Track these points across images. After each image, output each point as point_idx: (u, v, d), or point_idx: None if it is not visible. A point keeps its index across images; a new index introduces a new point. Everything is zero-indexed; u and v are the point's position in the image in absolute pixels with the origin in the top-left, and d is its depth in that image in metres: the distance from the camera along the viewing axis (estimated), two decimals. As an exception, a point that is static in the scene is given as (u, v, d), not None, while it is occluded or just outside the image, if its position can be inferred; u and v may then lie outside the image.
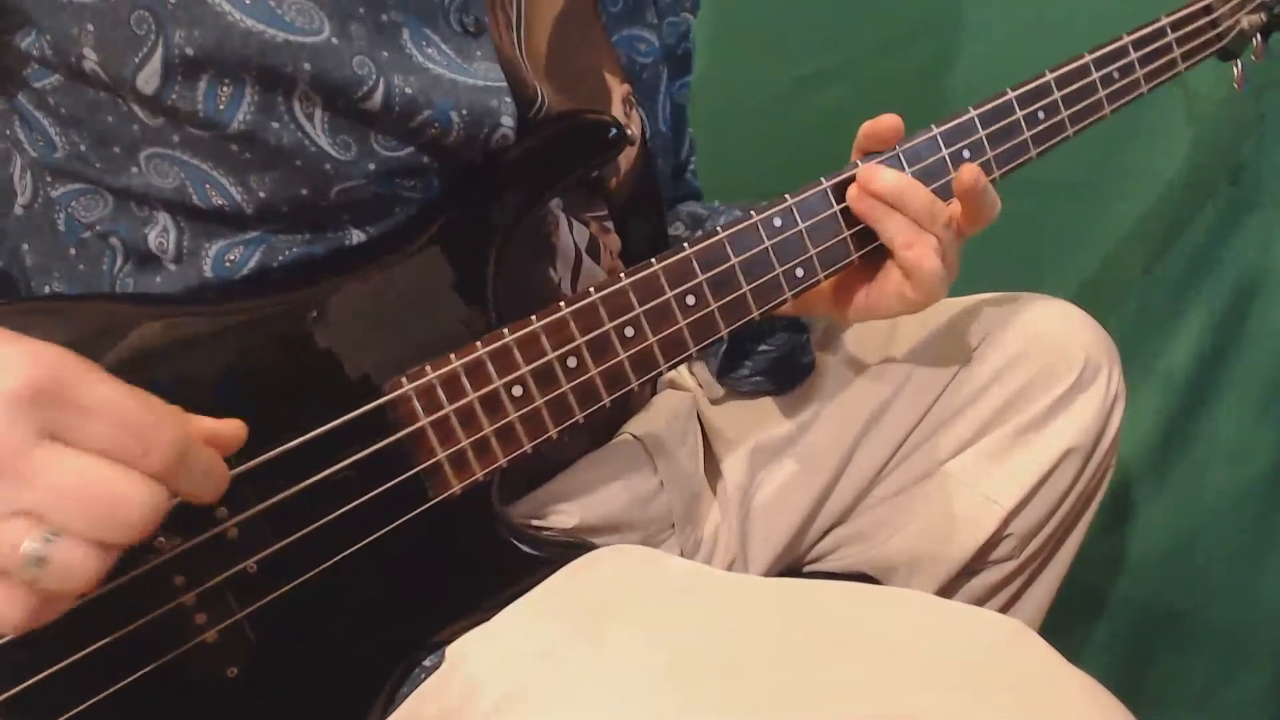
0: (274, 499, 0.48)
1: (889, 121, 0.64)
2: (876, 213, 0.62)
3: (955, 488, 0.78)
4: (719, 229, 0.59)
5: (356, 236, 0.55)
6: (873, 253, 0.65)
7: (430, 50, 0.54)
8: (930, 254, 0.62)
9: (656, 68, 0.74)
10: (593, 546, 0.59)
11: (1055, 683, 0.43)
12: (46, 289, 0.55)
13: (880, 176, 0.62)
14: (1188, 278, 1.08)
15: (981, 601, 0.82)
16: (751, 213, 0.60)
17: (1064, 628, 0.96)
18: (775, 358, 0.75)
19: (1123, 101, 0.73)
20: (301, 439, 0.49)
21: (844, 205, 0.63)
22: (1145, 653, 1.16)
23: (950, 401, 0.79)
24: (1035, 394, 0.77)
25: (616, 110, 0.68)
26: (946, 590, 0.80)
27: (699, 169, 0.88)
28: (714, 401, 0.80)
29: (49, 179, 0.53)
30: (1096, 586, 1.18)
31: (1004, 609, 0.83)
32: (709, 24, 1.15)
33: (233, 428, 0.43)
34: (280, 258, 0.53)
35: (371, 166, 0.53)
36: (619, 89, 0.69)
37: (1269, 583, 1.07)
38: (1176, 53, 0.76)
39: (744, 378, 0.77)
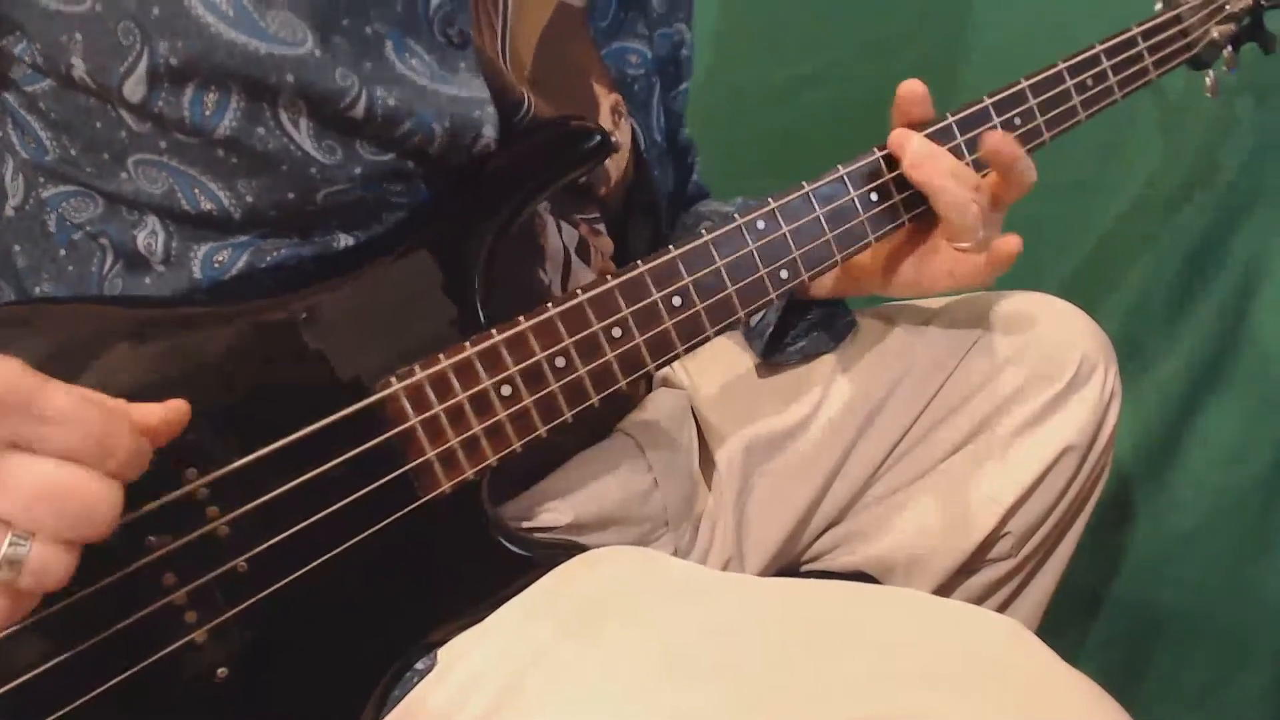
0: (264, 497, 0.48)
1: (907, 90, 0.66)
2: (919, 174, 0.64)
3: (952, 486, 0.78)
4: (703, 231, 0.59)
5: (344, 241, 0.55)
6: (918, 224, 0.67)
7: (414, 61, 0.54)
8: (970, 213, 0.64)
9: (648, 79, 0.75)
10: (584, 548, 0.59)
11: (1052, 683, 0.43)
12: (36, 290, 0.54)
13: (910, 143, 0.64)
14: (1185, 277, 1.08)
15: (979, 600, 0.82)
16: (735, 215, 0.61)
17: (1062, 627, 0.95)
18: (815, 323, 0.78)
19: (1097, 107, 0.74)
20: (291, 437, 0.49)
21: (826, 207, 0.63)
22: (1144, 653, 1.16)
23: (947, 399, 0.79)
24: (1031, 392, 0.77)
25: (604, 119, 0.68)
26: (945, 589, 0.80)
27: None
28: (709, 398, 0.80)
29: (41, 180, 0.53)
30: (1095, 586, 1.17)
31: (1002, 608, 0.83)
32: (710, 22, 1.16)
33: (177, 411, 0.44)
34: (268, 258, 0.53)
35: (357, 171, 0.53)
36: (607, 98, 0.69)
37: (1269, 583, 1.06)
38: (1148, 61, 0.77)
39: (791, 350, 0.79)
